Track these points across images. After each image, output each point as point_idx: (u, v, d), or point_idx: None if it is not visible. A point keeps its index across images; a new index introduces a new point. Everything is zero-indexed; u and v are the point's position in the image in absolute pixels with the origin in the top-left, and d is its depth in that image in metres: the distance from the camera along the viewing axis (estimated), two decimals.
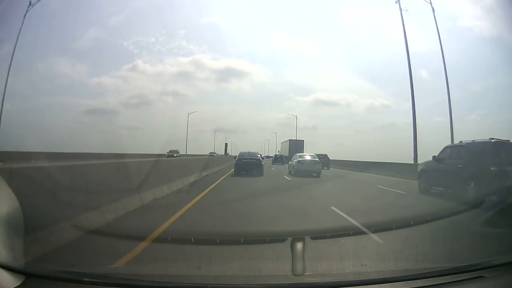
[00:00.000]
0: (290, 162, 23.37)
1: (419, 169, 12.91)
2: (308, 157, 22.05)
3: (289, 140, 55.43)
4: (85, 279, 2.28)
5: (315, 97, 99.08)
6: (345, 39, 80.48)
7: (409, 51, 25.10)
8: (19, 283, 2.20)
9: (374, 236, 4.92)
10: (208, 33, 79.26)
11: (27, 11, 24.58)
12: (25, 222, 2.99)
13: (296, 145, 51.94)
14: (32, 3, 24.76)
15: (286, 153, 50.45)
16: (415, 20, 62.14)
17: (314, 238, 4.21)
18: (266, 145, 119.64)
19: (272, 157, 55.85)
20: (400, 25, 25.45)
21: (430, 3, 24.72)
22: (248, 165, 19.55)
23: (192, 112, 61.06)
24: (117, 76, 73.44)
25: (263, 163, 21.32)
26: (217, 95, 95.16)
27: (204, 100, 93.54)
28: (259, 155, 22.23)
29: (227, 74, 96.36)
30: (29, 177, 4.44)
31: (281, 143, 65.12)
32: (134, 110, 74.43)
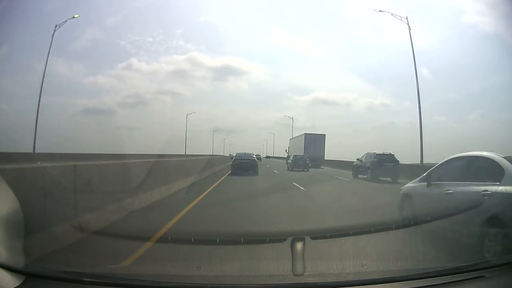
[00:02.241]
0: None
1: None
2: None
3: (305, 134, 40.06)
4: (85, 279, 2.28)
5: (314, 96, 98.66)
6: (345, 36, 79.91)
7: (410, 48, 24.28)
8: (19, 283, 2.20)
9: None
10: (205, 31, 78.81)
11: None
12: (26, 222, 2.99)
13: (315, 142, 38.51)
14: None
15: (297, 152, 37.05)
16: (416, 16, 61.64)
17: (314, 238, 4.20)
18: (265, 144, 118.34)
19: (287, 158, 37.00)
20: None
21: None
22: (244, 165, 20.61)
23: None
24: (113, 75, 73.19)
25: (257, 163, 22.35)
26: (215, 94, 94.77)
27: (202, 100, 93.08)
28: (254, 156, 23.20)
29: (225, 73, 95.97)
30: (29, 177, 4.44)
31: (290, 139, 50.44)
32: (131, 109, 74.19)
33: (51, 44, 25.58)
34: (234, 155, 25.66)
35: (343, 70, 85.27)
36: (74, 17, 26.77)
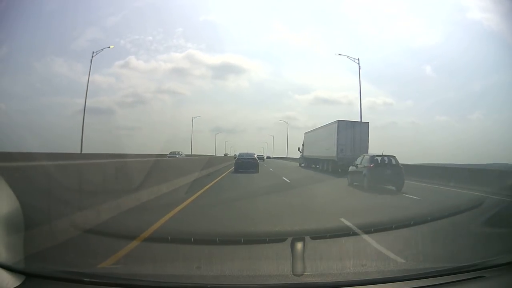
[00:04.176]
0: None
1: None
2: None
3: (338, 122, 24.61)
4: (85, 279, 2.29)
5: (315, 95, 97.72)
6: (346, 33, 78.65)
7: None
8: (19, 283, 2.21)
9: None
10: (205, 29, 77.99)
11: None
12: (25, 221, 2.99)
13: (354, 135, 24.06)
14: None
15: (318, 151, 27.58)
16: (418, 11, 60.89)
17: (314, 238, 4.21)
18: (270, 142, 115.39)
19: (301, 159, 35.20)
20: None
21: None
22: (246, 163, 23.19)
23: None
24: (112, 74, 73.04)
25: (258, 162, 24.32)
26: (215, 93, 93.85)
27: (202, 99, 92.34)
28: (255, 156, 25.63)
29: (224, 71, 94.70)
30: (29, 177, 4.44)
31: (306, 133, 35.71)
32: (130, 109, 73.84)
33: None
34: (237, 154, 27.86)
35: (344, 68, 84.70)
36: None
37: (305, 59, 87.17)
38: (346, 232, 4.92)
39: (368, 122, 25.50)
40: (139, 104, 75.93)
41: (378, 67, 75.48)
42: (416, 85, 70.92)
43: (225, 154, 73.88)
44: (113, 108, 69.45)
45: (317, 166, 29.62)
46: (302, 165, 35.77)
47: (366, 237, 4.91)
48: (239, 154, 26.12)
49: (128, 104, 72.77)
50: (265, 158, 68.48)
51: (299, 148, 38.03)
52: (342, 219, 6.40)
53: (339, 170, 20.89)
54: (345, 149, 23.08)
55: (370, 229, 5.08)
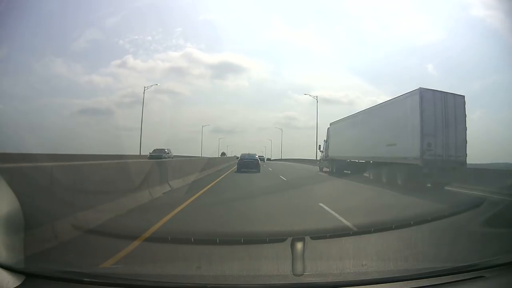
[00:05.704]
0: None
1: None
2: None
3: (420, 91, 12.85)
4: (85, 279, 2.29)
5: (315, 95, 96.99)
6: (347, 31, 77.86)
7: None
8: (19, 283, 2.21)
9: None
10: (204, 28, 77.74)
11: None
12: (25, 221, 3.00)
13: (447, 116, 12.74)
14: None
15: (365, 149, 17.35)
16: (420, 9, 60.27)
17: (314, 238, 4.21)
18: (269, 143, 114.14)
19: (323, 161, 26.70)
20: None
21: None
22: (248, 163, 24.61)
23: None
24: (111, 74, 73.17)
25: (259, 163, 25.76)
26: (215, 93, 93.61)
27: (202, 100, 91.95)
28: (256, 156, 27.05)
29: (224, 70, 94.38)
30: (29, 177, 4.45)
31: (332, 124, 25.53)
32: (129, 109, 73.76)
33: None
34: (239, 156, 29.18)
35: (345, 68, 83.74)
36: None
37: (305, 58, 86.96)
38: (346, 232, 4.92)
39: (464, 96, 13.85)
40: (138, 104, 75.90)
41: (379, 66, 75.27)
42: (417, 84, 70.47)
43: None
44: (112, 109, 69.49)
45: (348, 172, 20.33)
46: (325, 169, 26.30)
47: None
48: (241, 155, 27.76)
49: (126, 104, 72.87)
50: (265, 159, 66.34)
51: (320, 146, 28.75)
52: None
53: (427, 185, 12.91)
54: (434, 144, 12.75)
55: None
